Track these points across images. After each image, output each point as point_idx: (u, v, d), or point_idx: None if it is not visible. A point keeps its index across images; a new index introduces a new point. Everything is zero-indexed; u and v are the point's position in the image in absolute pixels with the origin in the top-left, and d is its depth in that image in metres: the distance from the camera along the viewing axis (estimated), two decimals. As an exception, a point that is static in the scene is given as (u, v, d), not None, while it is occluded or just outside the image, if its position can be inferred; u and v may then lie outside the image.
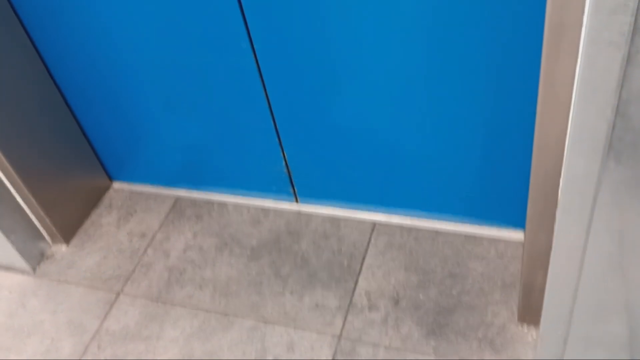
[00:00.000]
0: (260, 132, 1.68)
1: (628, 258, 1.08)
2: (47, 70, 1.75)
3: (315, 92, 1.53)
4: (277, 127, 1.66)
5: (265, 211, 1.88)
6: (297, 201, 1.86)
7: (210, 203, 1.95)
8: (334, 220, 1.82)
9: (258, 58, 1.50)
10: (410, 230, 1.75)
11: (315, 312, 1.62)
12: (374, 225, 1.78)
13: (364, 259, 1.71)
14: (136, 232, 1.91)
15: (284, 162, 1.75)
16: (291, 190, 1.83)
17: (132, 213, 1.97)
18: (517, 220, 1.63)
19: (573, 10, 0.88)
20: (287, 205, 1.87)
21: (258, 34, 1.45)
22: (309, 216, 1.84)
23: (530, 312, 1.45)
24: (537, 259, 1.29)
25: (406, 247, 1.71)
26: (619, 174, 0.96)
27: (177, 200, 1.98)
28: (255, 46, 1.48)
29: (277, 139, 1.69)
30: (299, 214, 1.86)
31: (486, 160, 1.52)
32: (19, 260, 1.83)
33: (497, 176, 1.55)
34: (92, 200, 2.01)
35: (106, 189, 2.06)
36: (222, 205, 1.93)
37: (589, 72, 0.83)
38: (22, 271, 1.87)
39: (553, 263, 1.14)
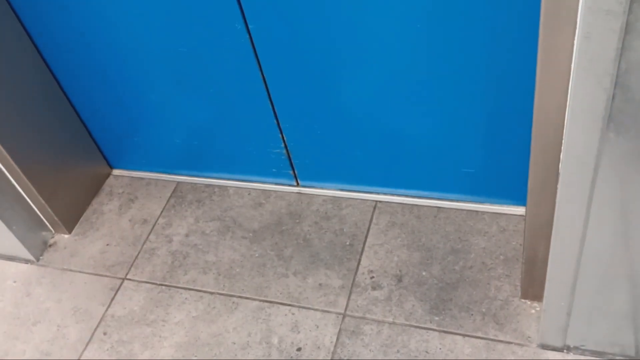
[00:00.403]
0: (258, 115, 1.68)
1: (631, 229, 1.08)
2: (43, 59, 1.74)
3: (313, 73, 1.52)
4: (275, 109, 1.65)
5: (266, 194, 1.88)
6: (297, 183, 1.86)
7: (211, 187, 1.95)
8: (335, 201, 1.82)
9: (253, 39, 1.49)
10: (411, 208, 1.75)
11: (319, 291, 1.63)
12: (375, 204, 1.78)
13: (366, 238, 1.71)
14: (138, 218, 1.92)
15: (283, 145, 1.75)
16: (291, 172, 1.83)
17: (133, 200, 1.98)
18: (518, 196, 1.63)
19: (570, -20, 0.87)
20: (288, 187, 1.87)
21: (252, 14, 1.44)
22: (310, 197, 1.84)
23: (533, 285, 1.46)
24: (539, 232, 1.29)
25: (408, 224, 1.72)
26: (619, 145, 0.95)
27: (178, 185, 1.98)
28: (250, 27, 1.47)
29: (275, 122, 1.68)
30: (299, 195, 1.86)
31: (487, 137, 1.52)
32: (22, 250, 1.83)
33: (498, 153, 1.55)
34: (93, 188, 2.01)
35: (106, 176, 2.06)
36: (223, 189, 1.93)
37: (587, 42, 0.82)
38: (25, 261, 1.88)
39: (555, 236, 1.14)
